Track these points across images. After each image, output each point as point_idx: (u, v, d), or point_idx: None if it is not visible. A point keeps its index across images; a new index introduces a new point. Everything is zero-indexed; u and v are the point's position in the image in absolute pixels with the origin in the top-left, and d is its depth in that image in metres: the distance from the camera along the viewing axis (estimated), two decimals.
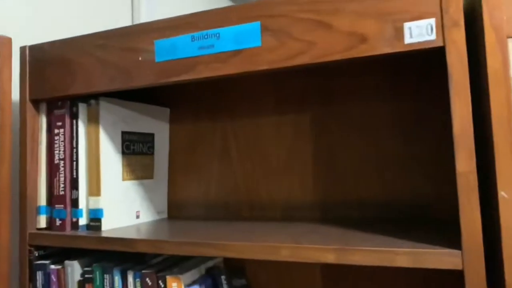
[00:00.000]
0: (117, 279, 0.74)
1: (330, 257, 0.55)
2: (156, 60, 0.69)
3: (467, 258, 0.49)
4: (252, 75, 0.65)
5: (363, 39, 0.55)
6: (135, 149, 0.89)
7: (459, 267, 0.49)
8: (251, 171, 0.89)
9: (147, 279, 0.71)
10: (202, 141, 0.94)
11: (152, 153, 0.93)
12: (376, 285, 0.77)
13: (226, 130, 0.92)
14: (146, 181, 0.91)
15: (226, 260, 0.86)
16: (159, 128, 0.95)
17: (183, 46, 0.67)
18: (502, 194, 0.47)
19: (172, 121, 0.98)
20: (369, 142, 0.79)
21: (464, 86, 0.49)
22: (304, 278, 0.82)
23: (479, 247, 0.48)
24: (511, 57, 0.48)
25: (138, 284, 0.72)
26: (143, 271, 0.71)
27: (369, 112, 0.79)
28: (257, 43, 0.62)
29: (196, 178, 0.94)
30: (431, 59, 0.75)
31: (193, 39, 0.66)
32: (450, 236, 0.58)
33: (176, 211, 0.96)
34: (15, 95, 0.88)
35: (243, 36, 0.63)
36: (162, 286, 0.70)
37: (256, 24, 0.62)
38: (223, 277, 0.73)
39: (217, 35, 0.65)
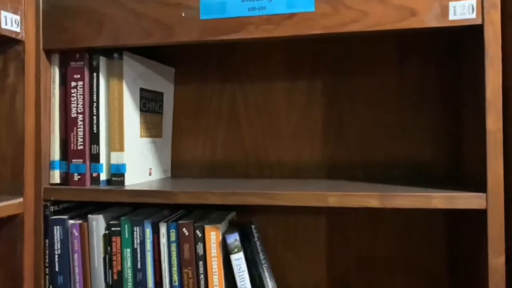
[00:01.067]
0: (148, 231, 0.75)
1: (374, 202, 0.64)
2: (201, 17, 0.70)
3: (491, 199, 0.61)
4: (306, 38, 0.68)
5: (413, 12, 0.63)
6: (150, 107, 0.88)
7: (484, 207, 0.61)
8: (260, 135, 0.93)
9: (184, 229, 0.73)
10: (208, 103, 0.96)
11: (162, 113, 0.93)
12: (374, 233, 0.88)
13: (235, 93, 0.95)
14: (157, 139, 0.91)
15: (238, 215, 0.91)
16: (166, 87, 0.95)
17: (232, 5, 0.69)
18: None
19: (177, 81, 0.98)
20: (376, 111, 0.88)
21: (498, 60, 0.60)
22: (308, 232, 0.91)
23: (501, 191, 0.60)
24: None
25: (173, 235, 0.74)
26: (179, 222, 0.74)
27: (377, 82, 0.88)
28: (311, 8, 0.67)
29: (201, 140, 0.96)
30: (438, 38, 0.86)
31: (243, 0, 0.69)
32: (459, 186, 0.70)
33: (178, 171, 0.98)
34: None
35: (297, 0, 0.67)
36: (200, 235, 0.73)
37: None
38: (253, 226, 0.78)
39: None
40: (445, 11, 0.62)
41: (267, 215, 0.92)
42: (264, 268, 0.76)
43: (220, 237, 0.73)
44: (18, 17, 0.67)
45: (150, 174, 0.89)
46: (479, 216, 0.64)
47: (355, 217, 0.88)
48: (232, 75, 0.95)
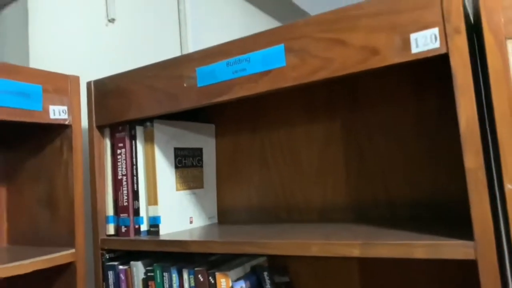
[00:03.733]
0: (175, 277, 0.84)
1: (355, 252, 0.61)
2: (198, 85, 0.79)
3: (480, 248, 0.53)
4: (282, 90, 0.72)
5: (375, 51, 0.61)
6: (186, 162, 1.00)
7: (472, 257, 0.53)
8: (287, 177, 0.96)
9: (199, 275, 0.80)
10: (243, 152, 1.03)
11: (201, 165, 1.04)
12: (410, 278, 0.80)
13: (263, 140, 1.00)
14: (197, 190, 1.02)
15: (270, 259, 0.94)
16: (206, 142, 1.06)
17: (220, 71, 0.77)
18: (508, 187, 0.51)
19: (217, 135, 1.08)
20: (395, 144, 0.83)
21: (468, 88, 0.54)
22: (342, 275, 0.87)
23: (490, 238, 0.52)
24: (511, 58, 0.52)
25: (192, 280, 0.81)
26: (195, 269, 0.81)
27: (393, 114, 0.83)
28: (282, 63, 0.70)
29: (239, 185, 1.03)
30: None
31: (228, 65, 0.76)
32: (468, 230, 0.61)
33: (224, 216, 1.06)
34: (84, 122, 1.03)
35: (270, 58, 0.71)
36: (212, 281, 0.79)
37: (281, 47, 0.70)
38: (265, 273, 0.80)
39: (248, 59, 0.74)
40: (407, 44, 0.59)
41: (301, 259, 0.93)
42: None
43: (230, 284, 0.78)
44: (65, 107, 0.86)
45: (191, 222, 0.99)
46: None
47: (386, 263, 0.83)
48: (260, 124, 1.01)
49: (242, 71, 0.74)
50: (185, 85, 0.81)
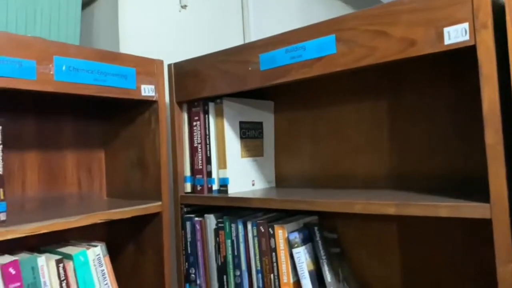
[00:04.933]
0: (240, 227, 1.02)
1: (391, 210, 0.74)
2: (261, 68, 0.94)
3: (494, 209, 0.63)
4: (332, 75, 0.84)
5: (412, 43, 0.71)
6: (249, 134, 1.16)
7: (488, 216, 0.64)
8: (335, 150, 1.09)
9: (261, 227, 0.97)
10: (297, 126, 1.17)
11: (262, 137, 1.20)
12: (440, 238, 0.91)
13: (315, 117, 1.13)
14: (258, 158, 1.18)
15: (321, 219, 1.09)
16: (266, 117, 1.21)
17: (279, 57, 0.91)
18: None
19: (276, 111, 1.22)
20: (432, 124, 0.92)
21: (492, 76, 0.63)
22: (382, 235, 1.00)
23: (504, 201, 0.63)
24: None
25: (254, 230, 0.99)
26: (257, 221, 0.98)
27: (431, 97, 0.92)
28: (333, 51, 0.82)
29: (293, 155, 1.18)
30: None
31: (286, 51, 0.89)
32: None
33: (281, 181, 1.21)
34: (167, 99, 1.22)
35: (323, 46, 0.84)
36: (271, 232, 0.96)
37: (332, 37, 0.82)
38: (316, 228, 0.96)
39: (304, 47, 0.87)
40: (440, 37, 0.68)
41: (348, 220, 1.07)
42: (324, 263, 0.92)
43: (286, 234, 0.94)
44: (153, 86, 1.05)
45: (253, 184, 1.16)
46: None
47: (423, 224, 0.94)
48: (312, 103, 1.14)
49: (298, 57, 0.87)
50: (250, 68, 0.96)
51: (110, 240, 1.21)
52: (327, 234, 1.01)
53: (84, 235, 1.14)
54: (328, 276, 0.92)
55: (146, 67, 1.04)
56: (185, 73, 1.10)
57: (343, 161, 1.08)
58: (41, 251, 0.92)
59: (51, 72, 0.84)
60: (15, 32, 1.01)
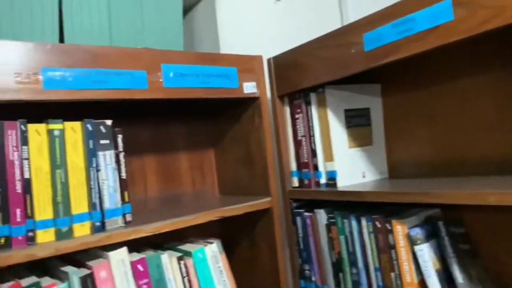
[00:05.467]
0: (354, 223, 0.96)
1: None
2: (365, 49, 0.86)
3: None
4: (450, 45, 0.73)
5: None
6: (355, 122, 1.08)
7: None
8: (457, 131, 0.95)
9: (377, 222, 0.90)
10: (410, 108, 1.06)
11: (369, 124, 1.11)
12: None
13: (430, 95, 1.01)
14: (367, 148, 1.10)
15: (444, 211, 0.97)
16: (373, 102, 1.12)
17: (385, 34, 0.82)
18: None
19: (383, 94, 1.13)
20: None
21: None
22: None
23: None
24: None
25: (370, 226, 0.92)
26: (373, 216, 0.91)
27: None
28: (450, 17, 0.71)
29: (408, 141, 1.06)
30: None
31: (393, 26, 0.81)
32: None
33: (394, 171, 1.11)
34: (268, 93, 1.21)
35: (437, 14, 0.73)
36: (389, 228, 0.88)
37: (448, 2, 0.71)
38: (440, 223, 0.85)
39: (413, 18, 0.77)
40: None
41: (477, 212, 0.93)
42: (452, 261, 0.82)
43: (406, 230, 0.85)
44: (254, 83, 1.04)
45: (363, 176, 1.09)
46: None
47: None
48: (425, 79, 1.02)
49: (407, 31, 0.78)
50: (353, 51, 0.89)
51: (224, 236, 1.25)
52: (454, 228, 0.89)
53: (200, 231, 1.20)
54: (458, 277, 0.81)
55: (247, 65, 1.04)
56: (285, 65, 1.08)
57: (468, 144, 0.94)
58: (164, 248, 0.98)
59: (161, 80, 0.89)
60: (126, 45, 1.09)
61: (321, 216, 1.05)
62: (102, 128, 0.83)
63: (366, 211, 0.98)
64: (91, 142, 0.81)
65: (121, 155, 0.86)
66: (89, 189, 0.80)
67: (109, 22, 1.06)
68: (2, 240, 0.70)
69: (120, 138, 0.86)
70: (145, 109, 1.16)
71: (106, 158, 0.83)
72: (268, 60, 1.12)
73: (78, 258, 0.84)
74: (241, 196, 1.17)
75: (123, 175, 0.86)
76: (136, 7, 1.12)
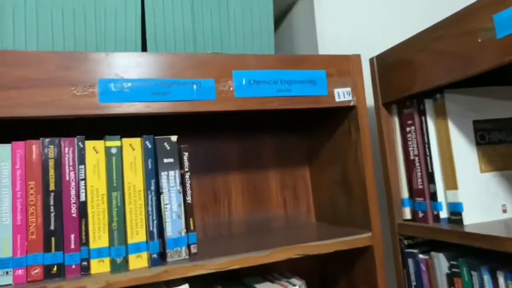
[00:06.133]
0: (486, 278, 0.69)
1: None
2: (498, 36, 0.61)
3: None
4: None
5: None
6: (491, 138, 0.80)
7: None
8: None
9: None
10: None
11: None
12: None
13: None
14: (509, 172, 0.80)
15: None
16: None
17: None
18: None
19: None
20: None
21: None
22: None
23: None
24: None
25: (510, 286, 0.64)
26: None
27: None
28: None
29: None
30: None
31: None
32: None
33: None
34: (368, 101, 1.00)
35: None
36: None
37: None
38: None
39: None
40: None
41: None
42: None
43: None
44: (348, 89, 0.85)
45: (504, 211, 0.79)
46: None
47: None
48: None
49: None
50: (479, 40, 0.64)
51: (320, 270, 1.06)
52: None
53: (290, 262, 1.04)
54: None
55: (339, 66, 0.85)
56: (390, 65, 0.86)
57: None
58: (243, 283, 0.85)
59: (231, 89, 0.77)
60: (212, 51, 1.01)
61: (441, 261, 0.79)
62: (166, 144, 0.74)
63: (505, 262, 0.69)
64: (149, 161, 0.72)
65: (187, 176, 0.76)
66: (147, 215, 0.71)
67: (193, 27, 0.99)
68: (55, 268, 0.66)
69: (186, 156, 0.76)
70: (232, 120, 1.06)
71: (169, 179, 0.74)
72: (371, 60, 0.92)
73: None
74: (338, 225, 0.98)
75: (189, 199, 0.76)
76: (222, 11, 1.03)
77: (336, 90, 0.84)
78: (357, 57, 0.87)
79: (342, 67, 0.85)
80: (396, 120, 0.90)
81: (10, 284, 0.64)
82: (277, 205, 1.08)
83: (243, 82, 0.77)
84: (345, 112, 0.89)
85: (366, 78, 1.07)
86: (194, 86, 0.74)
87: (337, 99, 0.84)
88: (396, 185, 0.90)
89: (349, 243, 0.81)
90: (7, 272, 0.64)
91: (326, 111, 0.97)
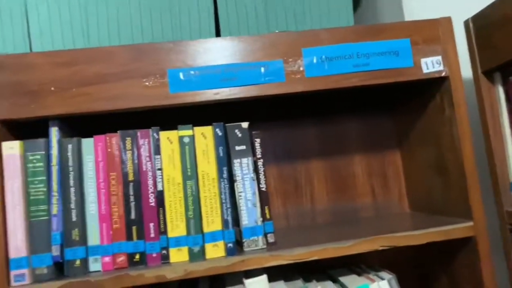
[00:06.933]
0: None
1: None
2: None
3: None
4: None
5: None
6: None
7: None
8: None
9: None
10: None
11: None
12: None
13: None
14: None
15: None
16: None
17: None
18: None
19: None
20: None
21: None
22: None
23: None
24: None
25: None
26: None
27: None
28: None
29: None
30: None
31: None
32: None
33: None
34: (464, 71, 0.87)
35: None
36: None
37: None
38: None
39: None
40: None
41: None
42: None
43: None
44: (439, 57, 0.74)
45: None
46: None
47: None
48: None
49: None
50: None
51: (418, 262, 0.96)
52: None
53: (385, 256, 0.95)
54: None
55: (426, 33, 0.75)
56: (491, 25, 0.73)
57: None
58: (319, 277, 0.81)
59: (301, 69, 0.72)
60: (285, 30, 0.97)
61: None
62: (237, 132, 0.72)
63: None
64: (220, 149, 0.71)
65: (260, 163, 0.73)
66: (221, 203, 0.70)
67: (265, 8, 0.96)
68: (137, 256, 0.68)
69: (258, 142, 0.73)
70: (309, 103, 1.00)
71: (243, 167, 0.72)
72: (466, 22, 0.79)
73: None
74: (434, 214, 0.87)
75: (263, 186, 0.73)
76: None
77: (423, 60, 0.74)
78: (447, 20, 0.75)
79: (430, 33, 0.75)
80: (500, 90, 0.76)
81: (99, 271, 0.67)
82: (364, 194, 1.00)
83: (314, 60, 0.72)
84: (436, 84, 0.78)
85: (459, 44, 0.93)
86: (262, 69, 0.70)
87: (425, 70, 0.74)
88: (503, 167, 0.76)
89: (445, 233, 0.71)
90: (96, 259, 0.68)
91: (413, 85, 0.87)
